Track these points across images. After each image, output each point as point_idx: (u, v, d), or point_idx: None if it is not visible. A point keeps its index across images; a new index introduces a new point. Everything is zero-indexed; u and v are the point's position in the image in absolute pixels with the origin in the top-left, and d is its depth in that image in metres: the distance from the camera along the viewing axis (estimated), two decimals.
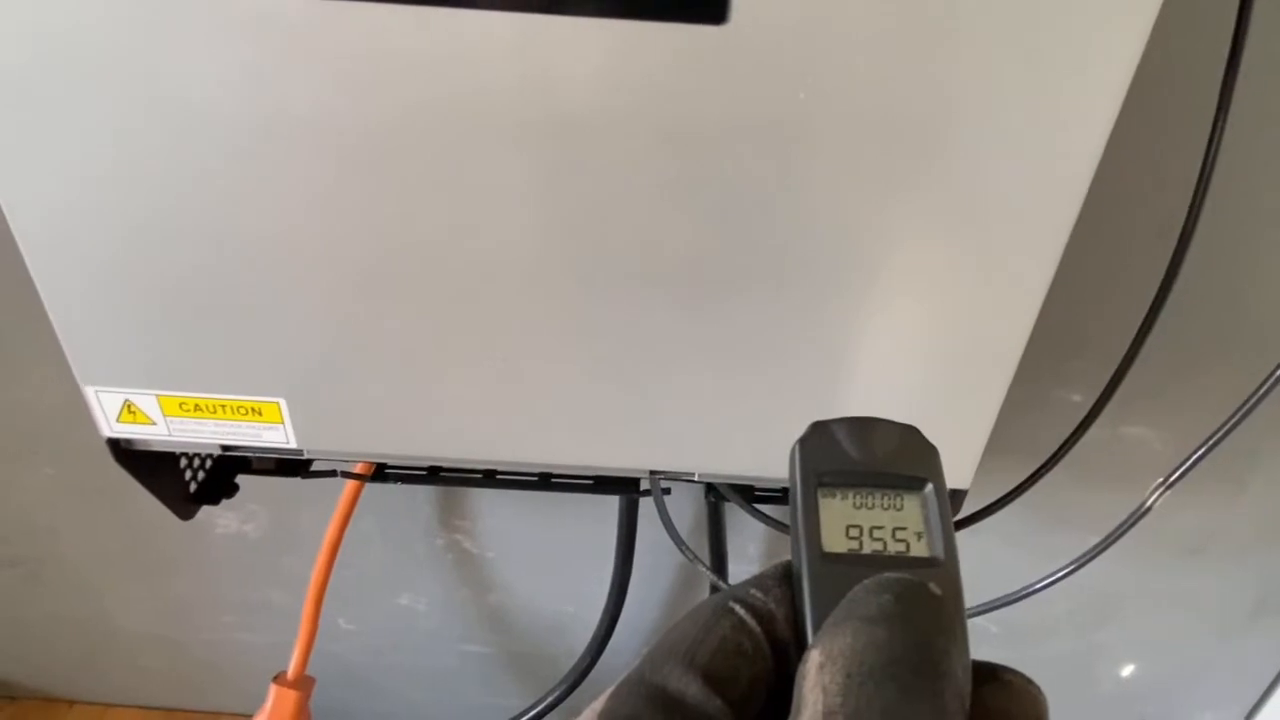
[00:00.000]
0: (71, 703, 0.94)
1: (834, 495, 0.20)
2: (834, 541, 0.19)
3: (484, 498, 0.72)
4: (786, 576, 0.19)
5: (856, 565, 0.19)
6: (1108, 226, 0.54)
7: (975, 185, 0.33)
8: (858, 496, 0.20)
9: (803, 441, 0.20)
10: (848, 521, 0.19)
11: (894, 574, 0.18)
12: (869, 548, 0.19)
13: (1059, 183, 0.32)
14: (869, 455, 0.20)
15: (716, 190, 0.33)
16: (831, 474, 0.20)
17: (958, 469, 0.41)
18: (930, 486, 0.20)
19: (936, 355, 0.37)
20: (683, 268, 0.35)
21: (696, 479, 0.43)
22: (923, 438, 0.20)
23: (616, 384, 0.39)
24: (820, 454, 0.20)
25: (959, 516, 0.46)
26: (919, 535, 0.19)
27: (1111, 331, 0.47)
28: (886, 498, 0.20)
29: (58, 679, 0.93)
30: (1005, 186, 0.33)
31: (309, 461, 0.55)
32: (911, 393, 0.38)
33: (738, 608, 0.18)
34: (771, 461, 0.41)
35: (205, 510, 0.75)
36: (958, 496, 0.42)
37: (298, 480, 0.55)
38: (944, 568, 0.19)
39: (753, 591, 0.19)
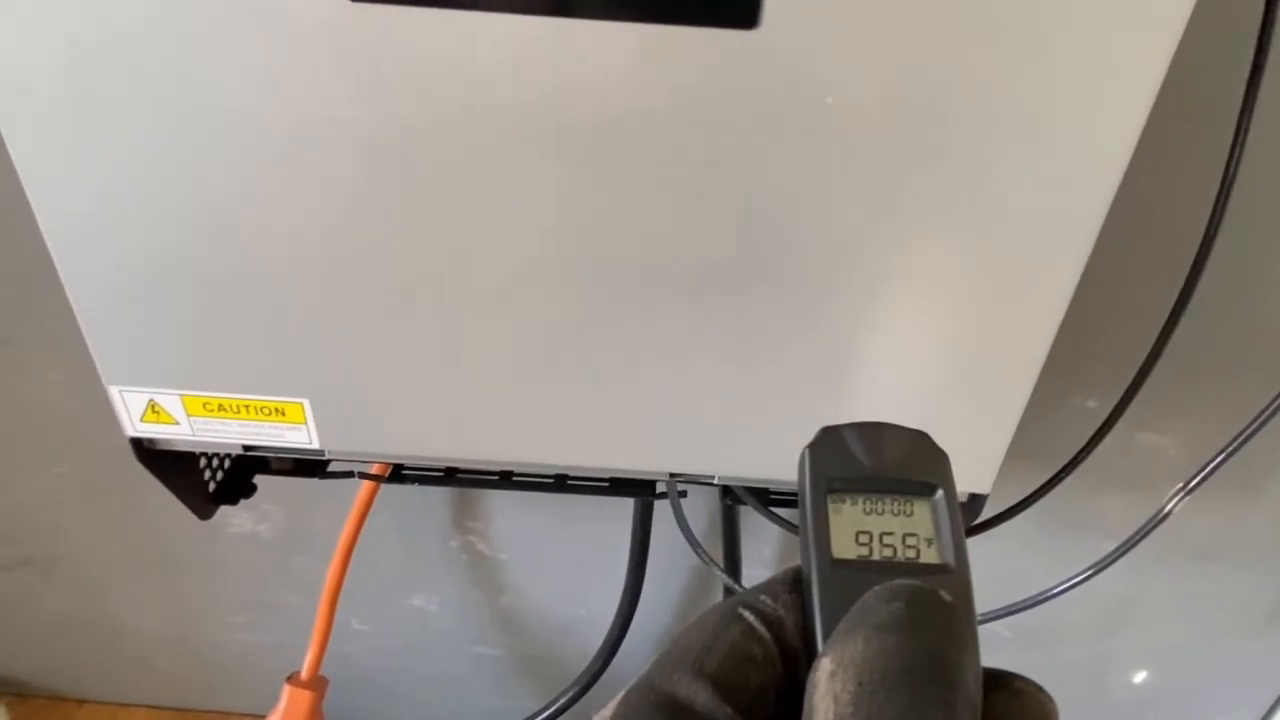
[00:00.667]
0: (81, 702, 0.94)
1: (844, 501, 0.19)
2: (844, 548, 0.19)
3: (498, 499, 0.72)
4: (796, 582, 0.19)
5: (866, 571, 0.18)
6: (1128, 232, 0.54)
7: (1001, 192, 0.33)
8: (868, 502, 0.20)
9: (812, 447, 0.20)
10: (858, 527, 0.19)
11: (904, 581, 0.18)
12: (879, 554, 0.19)
13: (1084, 189, 0.33)
14: (879, 461, 0.20)
15: (742, 193, 0.33)
16: (841, 479, 0.20)
17: (978, 474, 0.41)
18: (940, 492, 0.20)
19: (959, 360, 0.37)
20: (705, 271, 0.35)
21: (716, 482, 0.43)
22: (933, 443, 0.20)
23: (637, 386, 0.39)
24: (830, 459, 0.20)
25: (978, 521, 0.46)
26: (929, 542, 0.19)
27: (1128, 338, 0.47)
28: (897, 503, 0.20)
29: (68, 678, 0.93)
30: (1032, 194, 0.33)
31: (327, 462, 0.55)
32: (933, 397, 0.38)
33: (747, 614, 0.18)
34: (792, 464, 0.41)
35: (220, 510, 0.75)
36: (977, 501, 0.42)
37: (313, 480, 0.55)
38: (955, 574, 0.19)
39: (762, 598, 0.19)
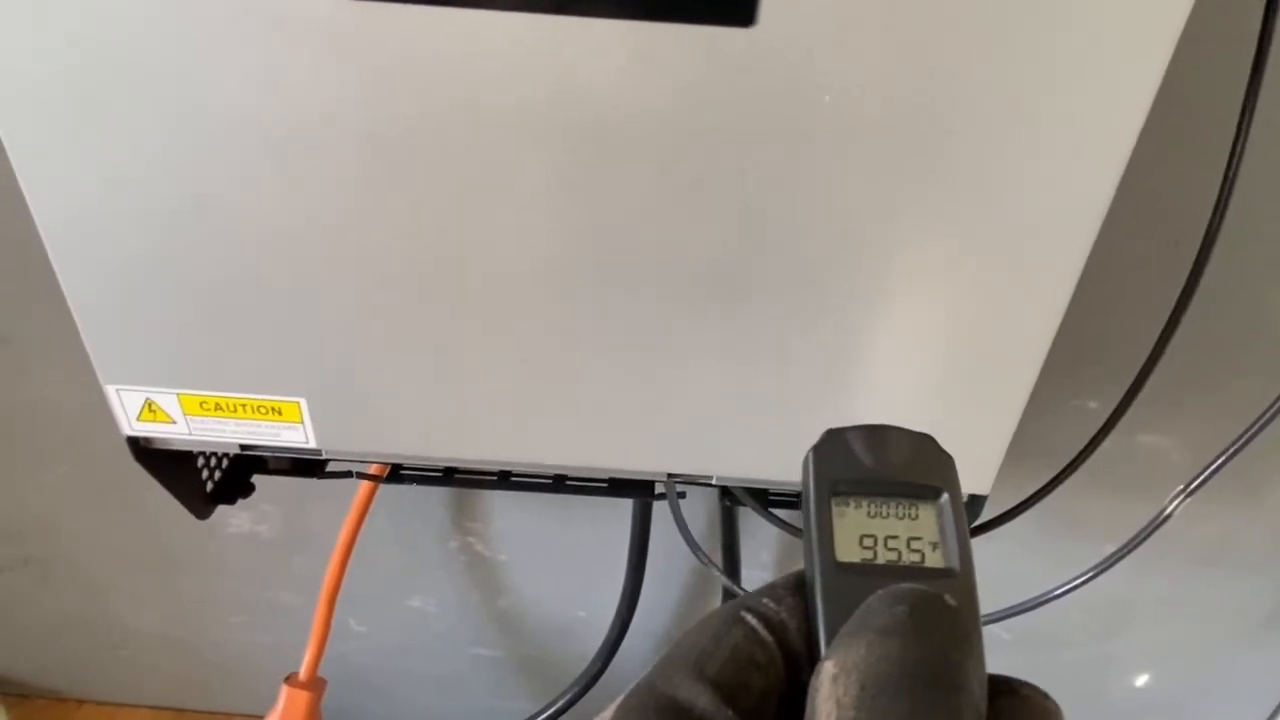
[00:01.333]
0: (80, 702, 0.94)
1: (848, 504, 0.19)
2: (848, 551, 0.19)
3: (497, 500, 0.72)
4: (800, 586, 0.19)
5: (870, 575, 0.18)
6: (1128, 233, 0.54)
7: (1001, 190, 0.33)
8: (872, 505, 0.19)
9: (816, 449, 0.20)
10: (862, 531, 0.19)
11: (909, 584, 0.18)
12: (883, 558, 0.19)
13: (1084, 189, 0.32)
14: (884, 464, 0.20)
15: (740, 192, 0.33)
16: (845, 482, 0.20)
17: (978, 474, 0.40)
18: (946, 496, 0.20)
19: (958, 360, 0.37)
20: (703, 270, 0.35)
21: (715, 482, 0.42)
22: (938, 446, 0.20)
23: (636, 386, 0.39)
24: (834, 462, 0.20)
25: (978, 522, 0.46)
26: (934, 545, 0.19)
27: (1130, 339, 0.46)
28: (901, 507, 0.20)
29: (67, 678, 0.93)
30: (1031, 191, 0.32)
31: (325, 462, 0.55)
32: (933, 397, 0.38)
33: (749, 617, 0.18)
34: (791, 465, 0.40)
35: (218, 510, 0.75)
36: (978, 502, 0.42)
37: (312, 480, 0.55)
38: (959, 579, 0.19)
39: (765, 601, 0.18)
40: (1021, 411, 0.39)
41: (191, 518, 0.69)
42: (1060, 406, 0.62)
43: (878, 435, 0.20)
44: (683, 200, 0.33)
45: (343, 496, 0.60)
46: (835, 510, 0.19)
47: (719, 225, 0.34)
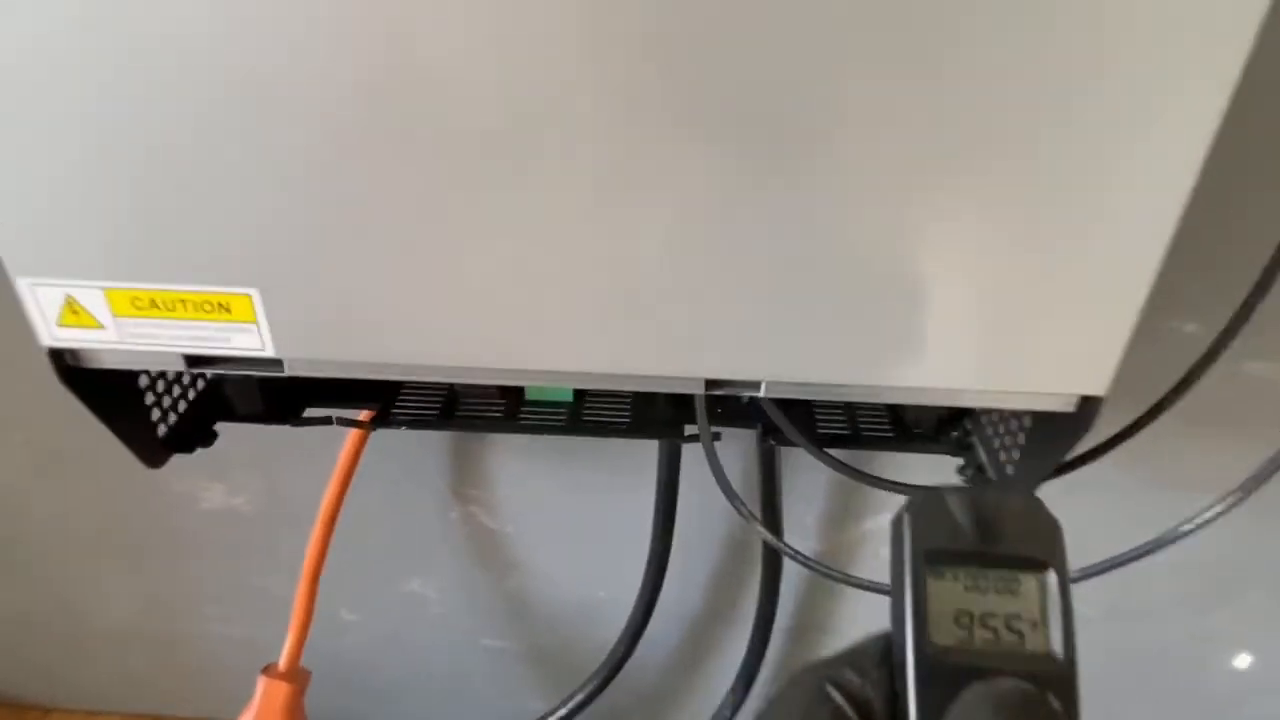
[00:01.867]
0: (48, 710, 0.88)
1: (943, 575, 0.19)
2: (942, 631, 0.18)
3: (500, 463, 0.65)
4: (886, 656, 0.19)
5: (966, 659, 0.18)
6: (1242, 134, 0.47)
7: (1125, 63, 0.27)
8: (969, 577, 0.19)
9: (912, 510, 0.19)
10: (957, 606, 0.19)
11: (1011, 683, 0.18)
12: (980, 639, 0.18)
13: (1216, 56, 0.27)
14: (984, 530, 0.19)
15: (814, 35, 0.26)
16: (942, 551, 0.19)
17: (1093, 371, 0.34)
18: (1051, 571, 0.19)
19: (1073, 240, 0.31)
20: (764, 108, 0.28)
21: (763, 392, 0.35)
22: (1045, 511, 0.19)
23: (668, 271, 0.32)
24: (930, 526, 0.19)
25: (1084, 449, 0.38)
26: (1034, 625, 0.18)
27: (1236, 249, 0.41)
28: (1001, 580, 0.19)
29: (33, 683, 0.86)
30: (1157, 64, 0.27)
31: (300, 406, 0.48)
32: (1042, 279, 0.31)
33: (836, 695, 0.18)
34: (852, 366, 0.33)
35: (190, 484, 0.68)
36: (1091, 404, 0.34)
37: (294, 448, 0.48)
38: (1062, 666, 0.18)
39: (849, 675, 0.19)
40: (1146, 295, 0.33)
41: (165, 498, 0.61)
42: (1154, 331, 0.54)
43: (978, 497, 0.19)
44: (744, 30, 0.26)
45: (332, 462, 0.53)
46: (930, 582, 0.19)
47: (781, 65, 0.27)
